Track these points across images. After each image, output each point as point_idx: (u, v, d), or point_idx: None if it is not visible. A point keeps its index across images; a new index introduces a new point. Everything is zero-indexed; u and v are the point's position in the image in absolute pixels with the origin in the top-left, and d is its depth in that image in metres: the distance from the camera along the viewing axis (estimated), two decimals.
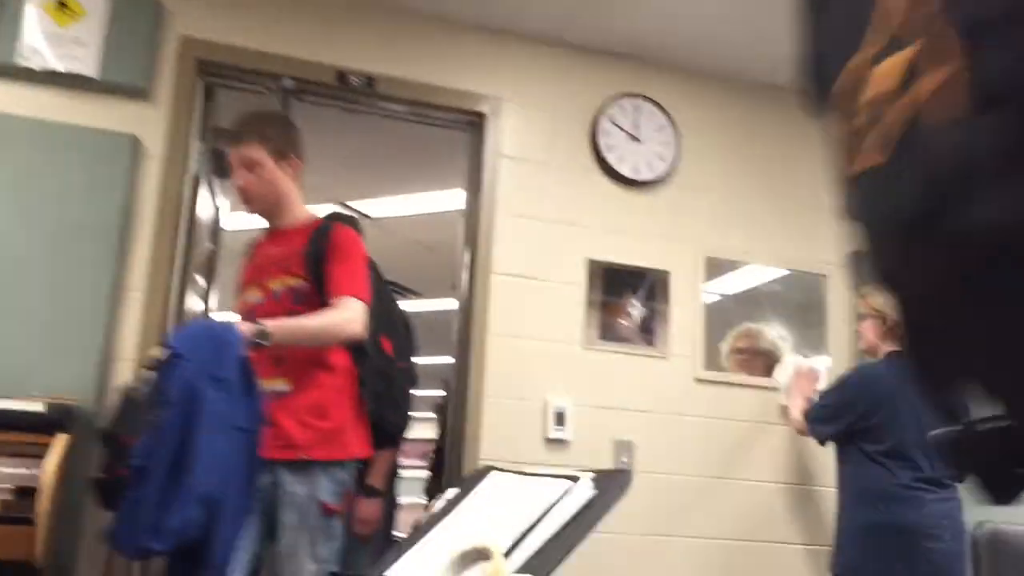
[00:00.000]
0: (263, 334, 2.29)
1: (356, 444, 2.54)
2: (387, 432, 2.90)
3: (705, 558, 3.55)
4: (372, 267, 2.71)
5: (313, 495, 2.41)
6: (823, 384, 3.66)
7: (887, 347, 3.32)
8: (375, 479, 3.11)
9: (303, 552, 2.39)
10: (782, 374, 3.73)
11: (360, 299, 2.47)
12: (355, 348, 2.55)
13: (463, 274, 3.60)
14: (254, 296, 2.57)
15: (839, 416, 3.24)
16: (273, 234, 2.67)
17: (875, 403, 3.16)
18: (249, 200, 2.61)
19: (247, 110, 2.75)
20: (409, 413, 3.11)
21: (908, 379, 2.79)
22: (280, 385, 2.44)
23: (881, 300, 3.34)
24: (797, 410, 3.48)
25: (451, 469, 3.45)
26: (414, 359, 3.26)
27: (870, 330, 3.37)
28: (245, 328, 2.28)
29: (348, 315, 2.44)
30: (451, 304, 3.74)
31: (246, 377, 2.21)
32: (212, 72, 3.37)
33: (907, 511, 3.05)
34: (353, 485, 2.55)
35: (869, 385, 3.22)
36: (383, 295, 2.96)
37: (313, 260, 2.50)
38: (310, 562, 2.39)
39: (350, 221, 2.66)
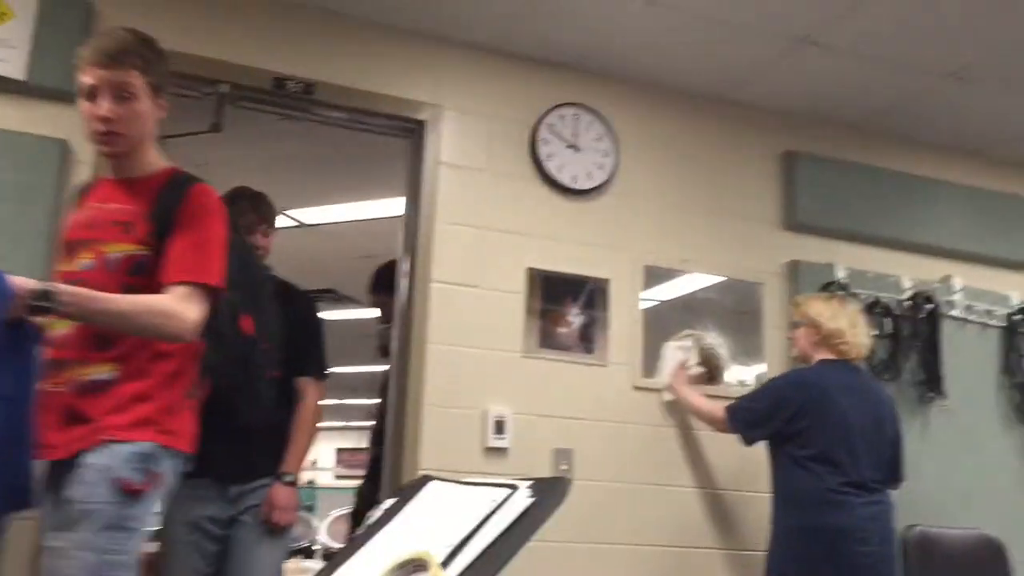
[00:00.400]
0: (46, 295, 1.87)
1: (180, 436, 2.12)
2: (245, 423, 2.45)
3: (643, 565, 3.57)
4: (235, 230, 2.29)
5: (109, 468, 1.96)
6: (693, 362, 3.72)
7: (819, 355, 3.39)
8: (290, 465, 3.06)
9: (76, 537, 1.92)
10: (669, 354, 3.76)
11: (204, 284, 2.08)
12: (208, 329, 2.13)
13: (402, 282, 3.58)
14: (84, 260, 2.12)
15: (767, 420, 3.30)
16: (118, 184, 2.23)
17: (803, 408, 3.22)
18: (110, 136, 2.18)
19: (122, 29, 2.32)
20: (266, 399, 2.52)
21: (836, 385, 2.88)
22: (103, 372, 2.04)
23: (815, 309, 3.42)
24: (710, 406, 3.51)
25: (390, 479, 3.42)
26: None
27: (803, 337, 3.44)
28: (21, 285, 1.85)
29: (177, 309, 2.02)
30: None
31: (16, 339, 1.87)
32: None
33: (835, 514, 3.10)
34: (174, 480, 2.14)
35: (798, 390, 3.28)
36: (248, 265, 2.46)
37: (159, 224, 2.10)
38: (84, 551, 1.91)
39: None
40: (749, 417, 3.36)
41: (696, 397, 3.59)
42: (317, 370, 3.25)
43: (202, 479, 2.80)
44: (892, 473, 3.32)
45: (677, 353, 3.75)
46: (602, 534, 3.53)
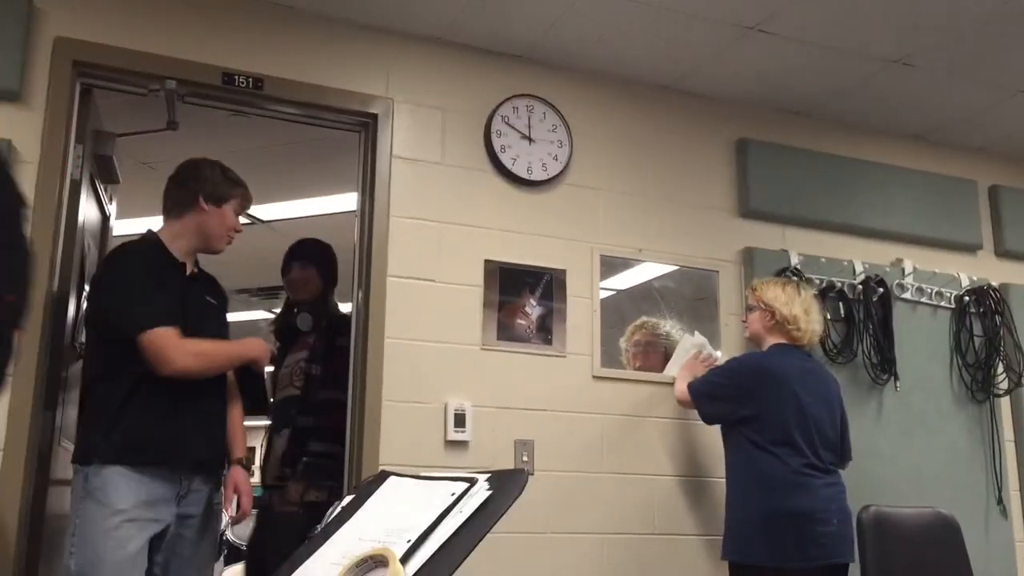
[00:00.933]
0: None
1: None
2: None
3: (606, 553, 3.59)
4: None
5: None
6: (708, 352, 3.81)
7: (772, 339, 3.44)
8: (237, 449, 2.93)
9: None
10: (683, 346, 3.81)
11: None
12: None
13: (358, 277, 3.56)
14: None
15: (725, 397, 3.36)
16: None
17: (759, 391, 3.27)
18: None
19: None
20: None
21: (792, 369, 2.92)
22: None
23: (771, 294, 3.46)
24: (682, 381, 3.58)
25: (351, 475, 3.40)
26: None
27: (757, 321, 3.49)
28: None
29: None
30: (346, 308, 3.70)
31: None
32: (89, 73, 3.24)
33: (799, 496, 3.16)
34: None
35: (755, 373, 3.35)
36: None
37: None
38: None
39: None
40: (708, 391, 3.43)
41: (680, 382, 3.63)
42: None
43: None
44: (842, 454, 3.39)
45: (691, 348, 3.80)
46: (564, 523, 3.55)
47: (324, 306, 3.85)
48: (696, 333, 3.86)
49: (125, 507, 2.54)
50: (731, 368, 3.49)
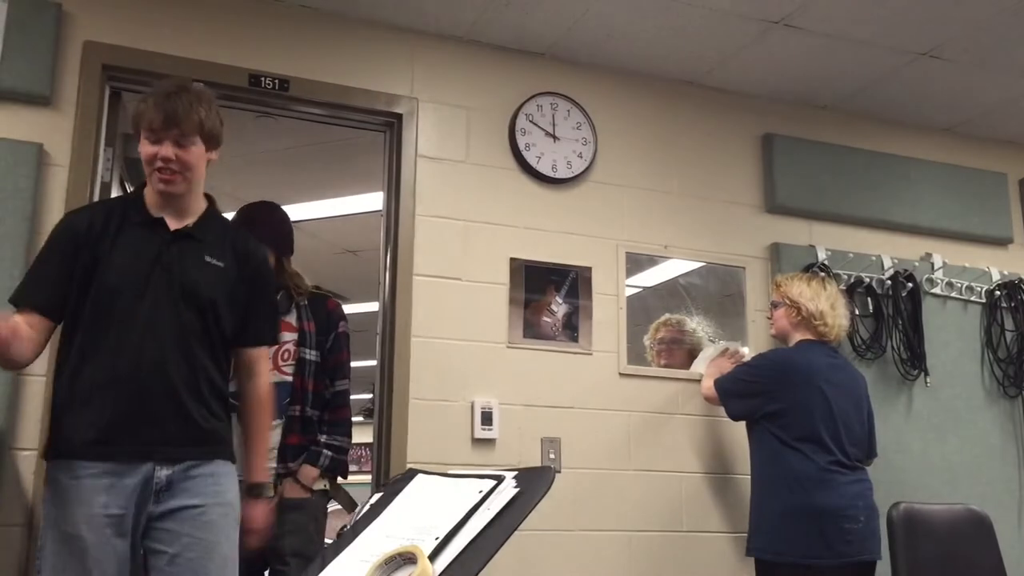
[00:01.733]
0: None
1: None
2: None
3: (632, 551, 3.58)
4: None
5: None
6: (735, 348, 3.81)
7: (799, 335, 3.42)
8: (257, 474, 2.52)
9: None
10: (707, 353, 3.81)
11: None
12: None
13: (384, 276, 3.58)
14: None
15: (751, 393, 3.34)
16: None
17: (786, 387, 3.26)
18: None
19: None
20: None
21: (819, 366, 2.91)
22: None
23: (796, 290, 3.44)
24: (709, 379, 3.58)
25: (378, 472, 3.42)
26: None
27: (783, 317, 3.48)
28: None
29: None
30: (373, 307, 3.71)
31: None
32: (118, 77, 3.28)
33: (825, 493, 3.15)
34: None
35: (782, 369, 3.33)
36: None
37: None
38: None
39: None
40: (735, 388, 3.42)
41: (706, 379, 3.63)
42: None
43: None
44: (868, 450, 3.37)
45: (720, 346, 3.82)
46: (591, 521, 3.55)
47: (284, 279, 3.18)
48: (720, 341, 3.85)
49: None
50: (757, 364, 3.48)
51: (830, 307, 3.39)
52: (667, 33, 3.71)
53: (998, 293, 4.37)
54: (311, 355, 3.12)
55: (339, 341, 3.20)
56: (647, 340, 3.84)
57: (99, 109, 3.21)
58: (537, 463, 3.47)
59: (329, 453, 3.07)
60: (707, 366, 3.72)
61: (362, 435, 4.00)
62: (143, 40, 3.30)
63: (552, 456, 3.54)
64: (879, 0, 3.45)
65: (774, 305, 3.54)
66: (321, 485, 3.10)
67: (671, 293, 3.92)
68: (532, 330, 3.63)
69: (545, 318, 3.66)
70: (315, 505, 3.08)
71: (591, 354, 3.69)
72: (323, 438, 3.08)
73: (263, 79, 3.42)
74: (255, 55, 3.44)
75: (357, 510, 1.87)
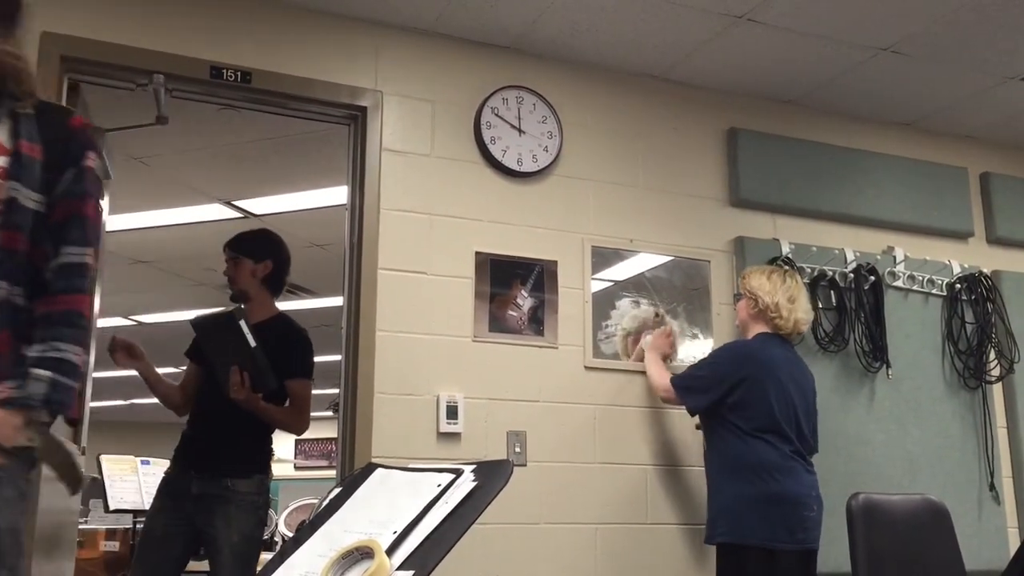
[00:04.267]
0: None
1: None
2: None
3: (598, 543, 3.60)
4: None
5: None
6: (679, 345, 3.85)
7: (757, 327, 3.46)
8: None
9: None
10: (646, 339, 3.84)
11: None
12: None
13: (349, 270, 3.56)
14: None
15: (711, 388, 3.36)
16: None
17: (746, 379, 3.29)
18: None
19: None
20: None
21: (776, 358, 2.92)
22: None
23: (756, 283, 3.47)
24: (660, 377, 3.59)
25: (343, 467, 3.41)
26: None
27: (743, 309, 3.52)
28: None
29: None
30: (337, 301, 3.69)
31: None
32: (77, 69, 3.24)
33: (790, 481, 3.22)
34: None
35: (738, 360, 3.36)
36: None
37: None
38: None
39: None
40: (693, 384, 3.44)
41: (654, 367, 3.65)
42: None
43: None
44: (813, 445, 3.44)
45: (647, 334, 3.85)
46: (557, 514, 3.56)
47: None
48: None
49: None
50: (714, 358, 3.50)
51: (787, 300, 3.42)
52: (632, 27, 3.71)
53: (959, 286, 4.43)
54: (30, 199, 1.91)
55: (82, 182, 1.98)
56: (617, 332, 3.83)
57: (57, 100, 3.16)
58: (503, 457, 3.48)
59: (46, 375, 1.82)
60: (647, 351, 3.75)
61: (330, 430, 3.98)
62: (103, 31, 3.26)
63: (518, 450, 3.54)
64: None
65: (737, 297, 3.58)
66: (24, 440, 1.80)
67: (637, 287, 3.93)
68: (498, 324, 3.63)
69: (511, 312, 3.66)
70: (12, 474, 1.82)
71: (557, 348, 3.70)
72: (34, 350, 1.85)
73: (225, 71, 3.38)
74: (217, 47, 3.41)
75: (316, 505, 1.86)
